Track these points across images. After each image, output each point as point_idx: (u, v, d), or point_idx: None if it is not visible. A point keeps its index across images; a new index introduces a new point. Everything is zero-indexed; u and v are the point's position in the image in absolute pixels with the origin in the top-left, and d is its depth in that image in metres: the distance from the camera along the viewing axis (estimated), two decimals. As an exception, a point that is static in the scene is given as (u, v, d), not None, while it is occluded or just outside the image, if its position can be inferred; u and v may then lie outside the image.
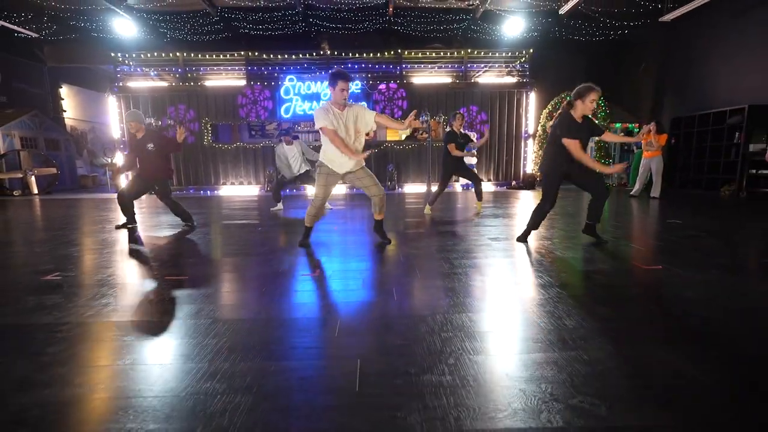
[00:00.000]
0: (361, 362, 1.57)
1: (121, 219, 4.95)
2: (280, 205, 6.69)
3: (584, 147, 3.45)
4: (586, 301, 2.23)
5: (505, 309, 2.12)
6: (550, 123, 3.86)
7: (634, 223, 5.03)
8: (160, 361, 1.60)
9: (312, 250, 3.59)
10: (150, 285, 2.64)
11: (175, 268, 3.08)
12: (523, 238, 3.84)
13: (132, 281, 2.72)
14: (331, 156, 3.47)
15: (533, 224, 3.81)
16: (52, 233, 4.70)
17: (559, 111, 3.67)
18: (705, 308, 2.11)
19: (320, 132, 3.42)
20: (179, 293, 2.44)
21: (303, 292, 2.44)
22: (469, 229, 4.63)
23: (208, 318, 2.03)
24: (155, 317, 2.07)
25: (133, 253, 3.58)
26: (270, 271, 2.91)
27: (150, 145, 4.60)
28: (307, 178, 6.45)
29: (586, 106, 3.35)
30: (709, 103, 9.10)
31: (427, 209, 5.98)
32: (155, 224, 5.30)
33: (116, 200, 4.81)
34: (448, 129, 5.80)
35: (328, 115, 3.35)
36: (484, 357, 1.61)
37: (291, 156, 6.33)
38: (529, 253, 3.40)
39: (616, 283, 2.58)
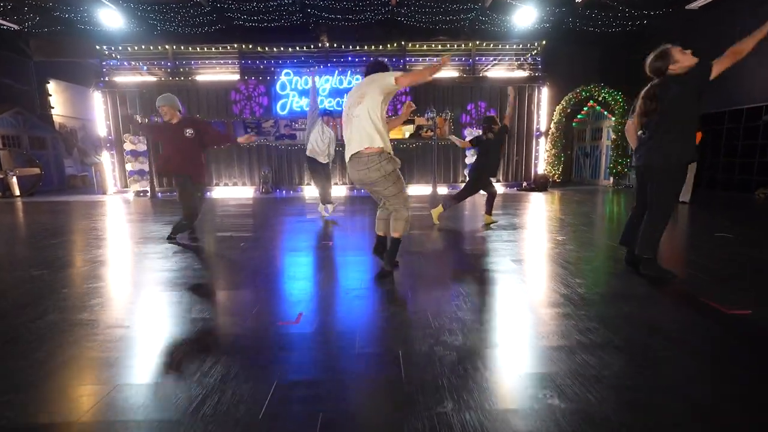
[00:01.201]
0: None
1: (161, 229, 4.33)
2: (330, 206, 5.92)
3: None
4: (672, 377, 1.56)
5: (567, 396, 1.45)
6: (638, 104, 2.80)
7: (676, 238, 4.34)
8: None
9: (391, 280, 2.87)
10: (68, 338, 1.97)
11: (119, 311, 2.42)
12: (656, 268, 2.81)
13: (48, 330, 2.06)
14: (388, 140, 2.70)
15: (658, 238, 2.81)
16: (4, 249, 4.06)
17: (659, 85, 2.71)
18: None
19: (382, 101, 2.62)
20: (103, 357, 1.78)
21: (273, 361, 1.78)
22: (484, 246, 3.95)
23: (119, 417, 1.37)
24: (45, 420, 1.41)
25: (76, 282, 2.92)
26: (235, 315, 2.24)
27: (189, 131, 3.89)
28: (325, 172, 5.76)
29: (684, 59, 2.66)
30: (740, 99, 8.35)
31: (436, 214, 5.11)
32: (131, 235, 4.65)
33: (188, 217, 4.03)
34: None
35: None
36: None
37: (330, 138, 5.66)
38: (565, 284, 2.72)
39: (696, 341, 1.90)
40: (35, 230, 5.17)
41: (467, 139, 6.15)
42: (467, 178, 6.00)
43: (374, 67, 2.78)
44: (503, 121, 4.88)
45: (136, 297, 2.60)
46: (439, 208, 5.12)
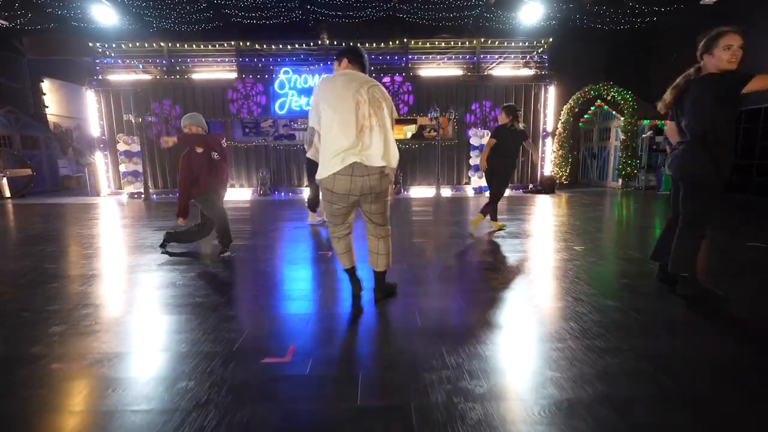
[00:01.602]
0: None
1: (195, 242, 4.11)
2: (318, 216, 5.49)
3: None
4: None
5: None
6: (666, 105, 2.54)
7: (705, 249, 3.97)
8: None
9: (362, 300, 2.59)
10: (6, 383, 1.65)
11: (79, 344, 2.09)
12: (696, 287, 2.50)
13: None
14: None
15: (690, 253, 2.47)
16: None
17: (685, 78, 2.42)
18: None
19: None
20: (46, 414, 1.45)
21: (254, 419, 1.45)
22: (498, 258, 3.62)
23: None
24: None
25: (39, 303, 2.59)
26: (214, 348, 1.91)
27: (215, 154, 3.69)
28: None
29: (719, 58, 2.26)
30: (758, 97, 7.99)
31: (475, 223, 4.68)
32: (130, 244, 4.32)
33: (221, 227, 3.76)
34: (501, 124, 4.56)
35: None
36: None
37: None
38: (597, 308, 2.38)
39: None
40: (16, 237, 4.85)
41: (472, 140, 5.72)
42: (482, 179, 5.54)
43: (360, 57, 2.45)
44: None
45: (104, 324, 2.27)
46: (479, 217, 4.68)
